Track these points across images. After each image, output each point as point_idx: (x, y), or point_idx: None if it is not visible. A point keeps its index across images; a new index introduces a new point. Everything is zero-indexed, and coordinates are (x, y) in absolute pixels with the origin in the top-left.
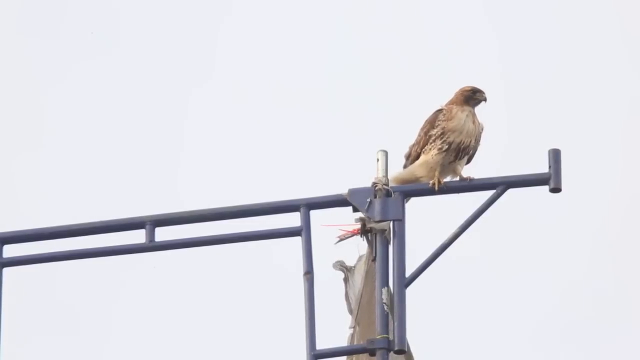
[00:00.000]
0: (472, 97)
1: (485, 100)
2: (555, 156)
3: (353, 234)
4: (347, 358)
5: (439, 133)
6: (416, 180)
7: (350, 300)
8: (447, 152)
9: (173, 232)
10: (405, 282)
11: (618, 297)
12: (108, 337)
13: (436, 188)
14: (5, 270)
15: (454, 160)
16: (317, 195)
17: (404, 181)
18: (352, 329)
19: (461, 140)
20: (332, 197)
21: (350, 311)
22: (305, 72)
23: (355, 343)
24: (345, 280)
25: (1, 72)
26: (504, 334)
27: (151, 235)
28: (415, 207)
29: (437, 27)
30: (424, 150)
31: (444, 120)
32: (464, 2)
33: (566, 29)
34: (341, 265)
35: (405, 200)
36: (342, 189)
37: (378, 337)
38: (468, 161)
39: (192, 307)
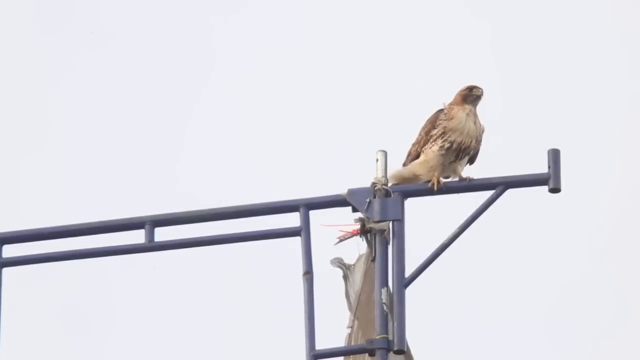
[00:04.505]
0: (469, 94)
1: (481, 94)
2: (554, 156)
3: (352, 234)
4: (345, 358)
5: (440, 132)
6: (415, 178)
7: (350, 298)
8: (448, 152)
9: (173, 232)
10: (404, 282)
11: (617, 297)
12: (108, 337)
13: (435, 188)
14: (5, 270)
15: (455, 161)
16: (316, 195)
17: (403, 179)
18: (350, 329)
19: (462, 140)
20: (331, 197)
21: (351, 309)
22: (305, 71)
23: (352, 343)
24: (345, 277)
25: (1, 73)
26: (504, 334)
27: (151, 235)
28: (415, 207)
29: (436, 27)
30: (424, 149)
31: (445, 120)
32: (464, 2)
33: (565, 28)
34: (339, 262)
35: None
36: (341, 189)
37: (377, 337)
38: (471, 162)
39: (192, 307)
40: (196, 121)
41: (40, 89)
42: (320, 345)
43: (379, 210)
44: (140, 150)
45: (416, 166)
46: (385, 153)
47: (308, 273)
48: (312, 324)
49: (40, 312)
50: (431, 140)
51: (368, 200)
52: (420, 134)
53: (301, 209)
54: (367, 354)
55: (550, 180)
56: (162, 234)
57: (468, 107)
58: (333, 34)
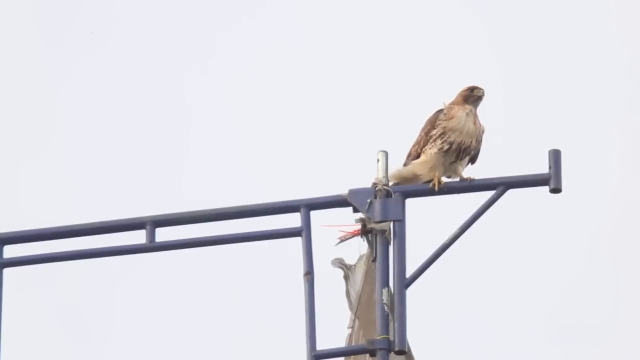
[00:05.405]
0: (470, 95)
1: (482, 95)
2: (555, 157)
3: (353, 234)
4: (346, 358)
5: (440, 133)
6: (416, 178)
7: (351, 298)
8: (448, 152)
9: (173, 233)
10: (405, 283)
11: (618, 297)
12: (108, 337)
13: (436, 188)
14: (6, 270)
15: (455, 161)
16: (317, 195)
17: (404, 179)
18: (351, 329)
19: (462, 141)
20: (332, 198)
21: (352, 309)
22: (305, 72)
23: (353, 343)
24: (346, 278)
25: (2, 74)
26: (504, 335)
27: (151, 235)
28: (416, 207)
29: (436, 27)
30: (424, 150)
31: (445, 120)
32: (464, 2)
33: (566, 28)
34: (340, 263)
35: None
36: (342, 190)
37: (378, 337)
38: (472, 162)
39: (192, 307)
40: (197, 121)
41: (41, 90)
42: (321, 345)
43: (380, 211)
44: (141, 150)
45: (416, 166)
46: (386, 153)
47: (309, 273)
48: (313, 324)
49: (41, 312)
50: (431, 141)
51: (369, 200)
52: (420, 135)
53: (302, 210)
54: (368, 355)
55: (551, 180)
56: (163, 234)
57: (468, 107)
58: (333, 34)
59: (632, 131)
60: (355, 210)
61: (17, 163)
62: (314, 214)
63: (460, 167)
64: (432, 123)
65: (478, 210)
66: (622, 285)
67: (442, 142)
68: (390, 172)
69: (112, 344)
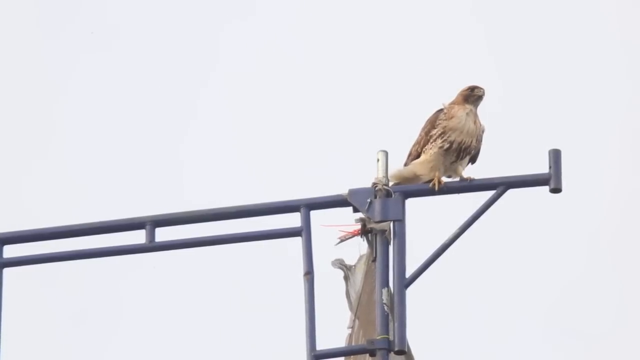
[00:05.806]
0: (470, 94)
1: (482, 94)
2: (555, 156)
3: (353, 234)
4: (346, 358)
5: (440, 132)
6: (416, 178)
7: (351, 298)
8: (448, 151)
9: (173, 233)
10: (405, 283)
11: (617, 297)
12: (108, 337)
13: (436, 188)
14: (6, 270)
15: (456, 161)
16: (317, 195)
17: (404, 179)
18: (351, 329)
19: (462, 140)
20: (332, 198)
21: (352, 309)
22: (305, 72)
23: (353, 343)
24: (346, 278)
25: (3, 74)
26: (504, 335)
27: (151, 235)
28: (416, 207)
29: (436, 28)
30: (424, 149)
31: (445, 120)
32: (464, 2)
33: (566, 28)
34: (340, 264)
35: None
36: (342, 189)
37: (378, 337)
38: (473, 162)
39: (192, 307)
40: (197, 121)
41: (41, 90)
42: (321, 345)
43: (380, 211)
44: (141, 150)
45: (417, 166)
46: (386, 153)
47: (309, 273)
48: (313, 324)
49: (41, 312)
50: (431, 141)
51: (369, 200)
52: (420, 134)
53: (302, 209)
54: (367, 354)
55: (551, 180)
56: (163, 234)
57: (469, 107)
58: (333, 35)
59: (632, 131)
60: (355, 210)
61: (17, 163)
62: (314, 213)
63: (460, 167)
64: (432, 123)
65: (478, 210)
66: (621, 285)
67: (443, 142)
68: (390, 172)
69: (112, 343)
